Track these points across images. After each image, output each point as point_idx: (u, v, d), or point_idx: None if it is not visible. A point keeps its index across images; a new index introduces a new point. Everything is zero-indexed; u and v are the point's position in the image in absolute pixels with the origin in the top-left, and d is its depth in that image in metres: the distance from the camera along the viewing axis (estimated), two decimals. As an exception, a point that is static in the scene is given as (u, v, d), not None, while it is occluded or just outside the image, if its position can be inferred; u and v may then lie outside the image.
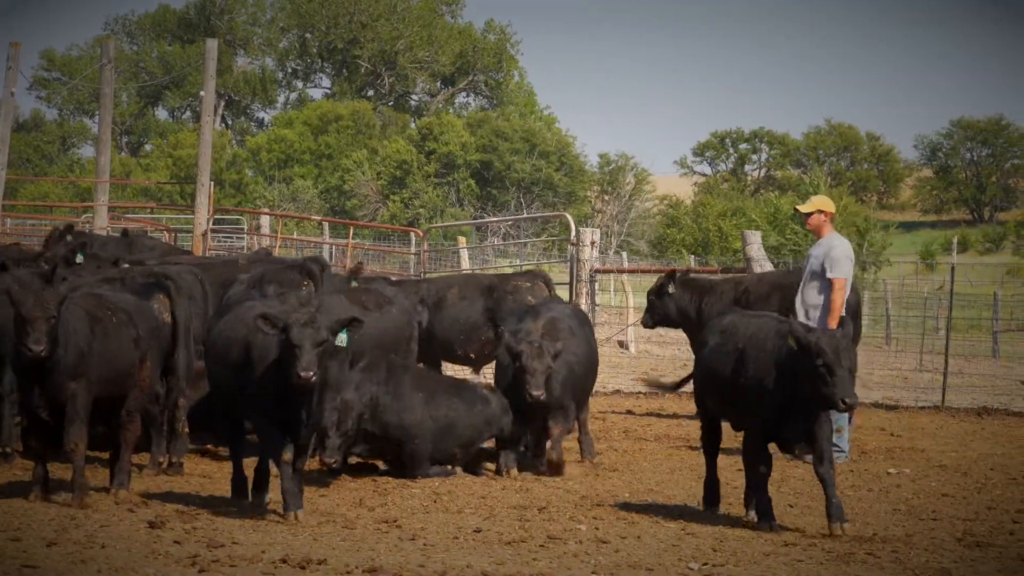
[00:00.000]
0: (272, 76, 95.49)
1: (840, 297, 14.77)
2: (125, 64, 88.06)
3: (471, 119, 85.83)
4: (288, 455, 11.31)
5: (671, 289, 18.36)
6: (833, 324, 14.74)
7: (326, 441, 13.05)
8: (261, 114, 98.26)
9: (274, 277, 15.40)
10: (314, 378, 10.99)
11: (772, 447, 11.76)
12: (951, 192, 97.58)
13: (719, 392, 11.84)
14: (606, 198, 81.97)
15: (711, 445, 12.30)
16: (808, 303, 15.07)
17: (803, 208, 15.31)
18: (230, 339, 11.76)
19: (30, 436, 11.89)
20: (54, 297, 11.32)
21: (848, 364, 10.94)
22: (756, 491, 11.53)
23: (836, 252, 14.81)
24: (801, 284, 15.26)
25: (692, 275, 18.80)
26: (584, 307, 19.91)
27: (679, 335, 21.20)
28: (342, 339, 11.45)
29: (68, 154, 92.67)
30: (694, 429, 17.54)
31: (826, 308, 14.88)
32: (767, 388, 11.22)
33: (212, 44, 27.33)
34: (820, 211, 14.94)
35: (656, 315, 18.61)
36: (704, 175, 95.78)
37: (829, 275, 14.77)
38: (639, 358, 27.38)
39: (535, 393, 13.71)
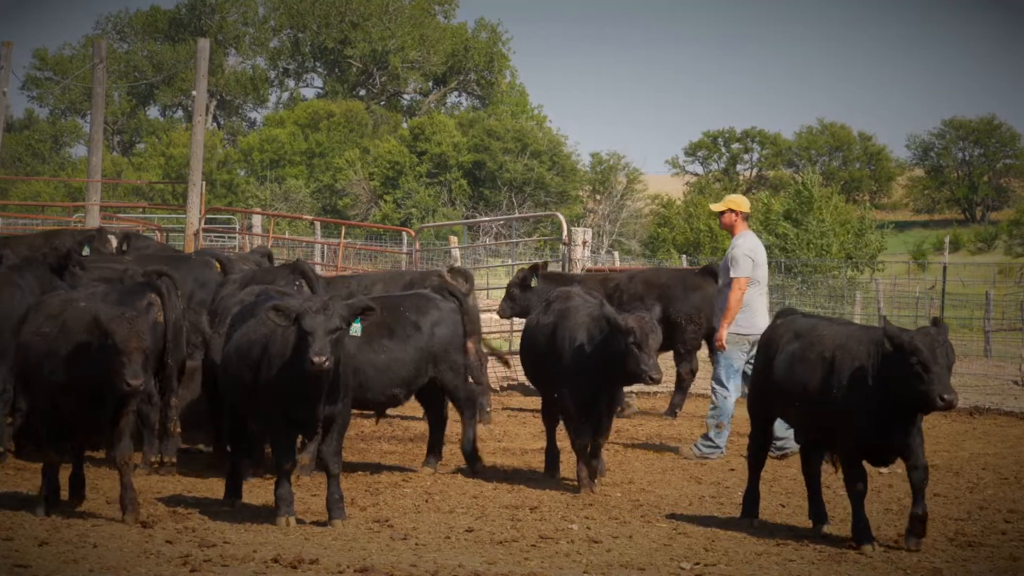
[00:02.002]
0: (264, 75, 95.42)
1: (736, 296, 14.72)
2: (116, 63, 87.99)
3: (463, 119, 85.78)
4: (288, 464, 11.22)
5: (534, 283, 18.78)
6: (726, 322, 14.75)
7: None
8: (253, 114, 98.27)
9: (265, 277, 15.37)
10: (327, 364, 10.75)
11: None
12: (943, 192, 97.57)
13: (797, 404, 11.14)
14: (598, 198, 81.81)
15: (759, 456, 11.75)
16: (718, 303, 15.20)
17: (715, 207, 15.43)
18: (251, 340, 11.60)
19: (45, 445, 11.45)
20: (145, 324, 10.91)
21: (945, 361, 10.45)
22: (858, 512, 10.86)
23: (736, 251, 14.82)
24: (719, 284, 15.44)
25: (553, 270, 19.26)
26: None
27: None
28: (356, 328, 11.35)
29: (60, 153, 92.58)
30: (686, 429, 17.59)
31: (722, 307, 14.91)
32: (864, 400, 10.68)
33: (204, 44, 27.28)
34: (731, 210, 14.96)
35: (516, 306, 19.16)
36: (696, 175, 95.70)
37: (731, 274, 14.81)
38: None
39: (656, 376, 12.30)
